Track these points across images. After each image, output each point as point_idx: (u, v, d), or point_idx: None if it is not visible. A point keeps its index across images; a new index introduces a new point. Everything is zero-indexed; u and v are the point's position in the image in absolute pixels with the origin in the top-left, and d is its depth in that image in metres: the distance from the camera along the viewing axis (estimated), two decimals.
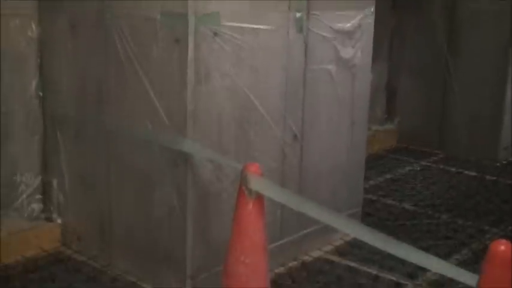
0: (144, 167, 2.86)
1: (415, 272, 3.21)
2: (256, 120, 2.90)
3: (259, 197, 2.24)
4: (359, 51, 3.40)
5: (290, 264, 3.24)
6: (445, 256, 3.35)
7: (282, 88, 3.01)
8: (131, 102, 2.85)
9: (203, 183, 2.72)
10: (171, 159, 2.73)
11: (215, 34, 2.65)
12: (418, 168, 4.95)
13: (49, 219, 3.35)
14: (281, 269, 3.19)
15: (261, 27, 2.84)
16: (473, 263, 3.24)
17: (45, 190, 3.36)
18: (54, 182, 3.31)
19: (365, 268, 3.25)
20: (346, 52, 3.31)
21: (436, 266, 1.98)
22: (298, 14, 3.01)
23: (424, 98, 5.41)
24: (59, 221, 3.34)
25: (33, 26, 3.19)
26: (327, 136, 3.32)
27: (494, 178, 4.70)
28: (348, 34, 3.31)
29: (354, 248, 3.48)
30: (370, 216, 3.91)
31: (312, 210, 2.20)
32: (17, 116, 3.20)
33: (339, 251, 3.44)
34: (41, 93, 3.25)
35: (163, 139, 2.73)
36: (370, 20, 3.46)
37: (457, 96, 5.23)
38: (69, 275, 3.06)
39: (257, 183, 2.19)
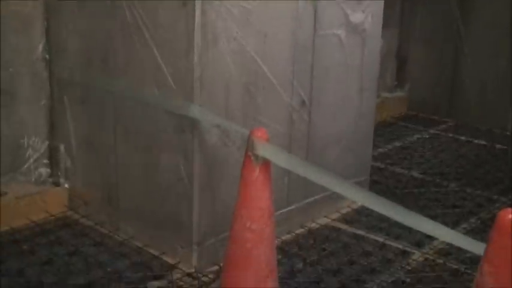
0: (150, 133, 2.85)
1: (422, 240, 3.20)
2: (263, 85, 2.87)
3: (265, 163, 2.21)
4: (369, 16, 3.35)
5: (297, 232, 3.24)
6: (453, 225, 3.34)
7: (290, 53, 2.97)
8: (138, 67, 2.82)
9: (210, 148, 2.70)
10: (177, 124, 2.71)
11: None
12: (427, 136, 4.91)
13: (56, 184, 3.35)
14: (288, 236, 3.18)
15: None
16: (481, 232, 3.22)
17: (52, 155, 3.35)
18: (62, 147, 3.30)
19: (372, 236, 3.24)
20: (356, 17, 3.25)
21: (444, 234, 1.96)
22: None
23: (435, 65, 5.34)
24: (66, 185, 3.34)
25: None
26: (335, 102, 3.28)
27: (505, 147, 4.65)
28: None
29: (361, 215, 3.47)
30: (378, 184, 3.90)
31: (319, 177, 2.18)
32: (23, 78, 3.18)
33: (346, 219, 3.43)
34: (47, 56, 3.22)
35: (170, 104, 2.71)
36: None
37: (468, 64, 5.15)
38: (76, 239, 3.07)
39: (263, 148, 2.16)
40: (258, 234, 2.27)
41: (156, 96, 2.76)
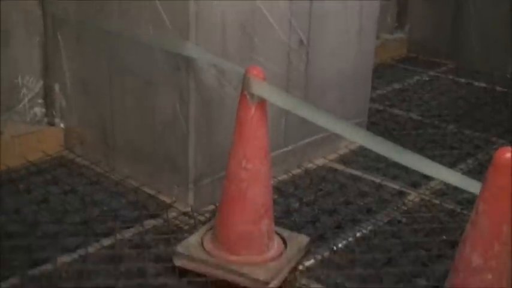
0: (145, 72, 2.80)
1: (419, 181, 3.20)
2: (261, 24, 2.81)
3: (261, 102, 2.19)
4: None
5: (293, 172, 3.23)
6: (450, 166, 3.32)
7: None
8: (133, 5, 2.76)
9: (206, 88, 2.67)
10: (173, 63, 2.67)
11: None
12: (427, 79, 4.87)
13: (51, 124, 3.33)
14: (284, 177, 3.18)
15: None
16: (478, 173, 3.21)
17: (47, 94, 3.31)
18: (56, 87, 3.26)
19: (369, 176, 3.24)
20: None
21: (441, 174, 1.94)
22: None
23: (436, 6, 5.25)
24: (62, 125, 3.31)
25: None
26: (334, 43, 3.23)
27: (505, 90, 4.62)
28: None
29: (359, 156, 3.46)
30: (376, 125, 3.87)
31: (316, 117, 2.15)
32: (17, 16, 3.12)
33: (343, 160, 3.43)
34: None
35: (166, 43, 2.66)
36: None
37: (469, 6, 5.07)
38: (72, 178, 3.06)
39: (259, 87, 2.13)
40: (254, 173, 2.26)
41: (151, 35, 2.71)
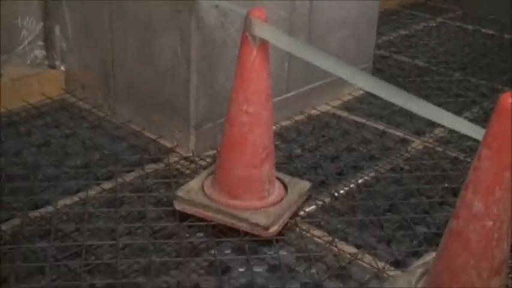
0: (147, 14, 2.75)
1: (422, 128, 3.18)
2: None
3: (263, 44, 2.14)
4: None
5: (296, 118, 3.20)
6: (455, 114, 3.26)
7: None
8: None
9: (207, 30, 2.62)
10: (174, 4, 2.61)
11: None
12: (434, 25, 4.79)
13: (52, 67, 3.29)
14: (287, 122, 3.15)
15: None
16: (483, 121, 3.17)
17: (47, 37, 3.26)
18: (57, 29, 3.21)
19: (372, 124, 3.21)
20: None
21: (445, 119, 1.91)
22: None
23: None
24: (62, 68, 3.28)
25: None
26: None
27: None
28: None
29: (363, 103, 3.43)
30: (381, 72, 3.83)
31: (319, 60, 2.10)
32: None
33: (347, 106, 3.39)
34: None
35: None
36: None
37: None
38: (73, 122, 3.04)
39: (261, 28, 2.08)
40: (255, 117, 2.24)
41: None
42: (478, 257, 1.79)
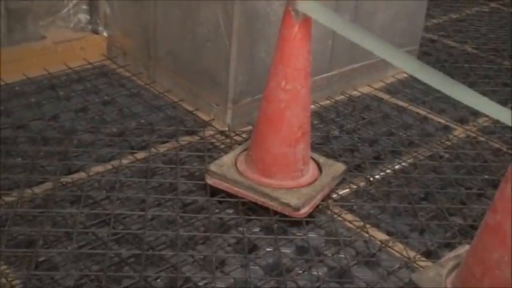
0: None
1: (466, 117, 3.09)
2: None
3: (305, 20, 2.08)
4: None
5: (337, 98, 3.14)
6: (501, 103, 3.15)
7: None
8: None
9: (251, 2, 2.57)
10: None
11: None
12: (487, 10, 4.64)
13: (95, 32, 3.29)
14: (327, 102, 3.09)
15: None
16: None
17: (92, 1, 3.26)
18: None
19: (414, 108, 3.13)
20: None
21: (490, 109, 1.83)
22: None
23: None
24: (105, 34, 3.27)
25: None
26: None
27: None
28: None
29: (406, 87, 3.35)
30: (428, 55, 3.72)
31: (364, 40, 2.03)
32: None
33: (389, 89, 3.31)
34: None
35: None
36: None
37: None
38: (112, 89, 3.04)
39: (304, 4, 2.02)
40: (293, 94, 2.19)
41: None
42: None
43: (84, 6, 3.26)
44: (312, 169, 2.39)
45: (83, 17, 3.27)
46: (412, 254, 2.14)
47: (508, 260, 1.73)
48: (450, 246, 2.19)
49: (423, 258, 2.13)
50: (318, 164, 2.44)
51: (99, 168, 2.42)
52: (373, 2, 3.08)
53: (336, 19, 2.10)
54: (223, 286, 1.93)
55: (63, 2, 3.20)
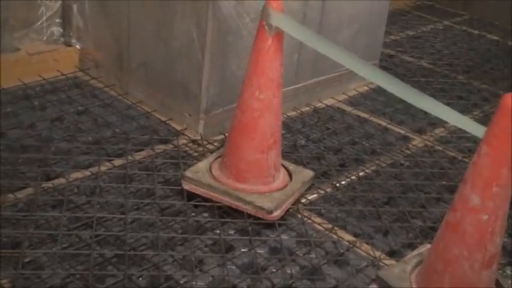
0: None
1: (424, 127, 3.27)
2: None
3: (278, 34, 2.23)
4: None
5: (302, 109, 3.29)
6: None
7: None
8: None
9: (224, 17, 2.70)
10: None
11: None
12: (441, 28, 4.87)
13: (68, 44, 3.37)
14: (293, 113, 3.24)
15: None
16: (483, 124, 3.26)
17: (65, 14, 3.34)
18: (75, 7, 3.29)
19: (375, 119, 3.30)
20: None
21: (450, 116, 2.00)
22: None
23: None
24: (78, 46, 3.36)
25: None
26: None
27: None
28: None
29: (367, 99, 3.51)
30: (386, 70, 3.83)
31: (332, 52, 2.18)
32: None
33: (352, 101, 3.48)
34: None
35: None
36: None
37: None
38: (86, 99, 3.12)
39: (278, 18, 2.17)
40: (266, 104, 2.32)
41: None
42: (471, 249, 1.88)
43: (58, 20, 3.34)
44: (282, 175, 2.53)
45: (56, 30, 3.36)
46: (377, 253, 2.29)
47: (467, 255, 1.89)
48: (412, 246, 2.34)
49: (388, 257, 2.28)
50: (288, 171, 2.58)
51: (78, 174, 2.51)
52: (337, 18, 3.24)
53: (307, 33, 2.25)
54: (203, 284, 2.05)
55: (37, 15, 3.28)
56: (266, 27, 2.22)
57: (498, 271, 2.06)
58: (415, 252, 2.22)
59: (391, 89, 2.08)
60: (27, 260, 2.04)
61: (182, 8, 2.77)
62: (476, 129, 1.90)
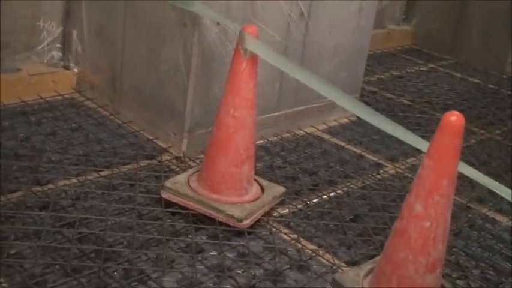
0: (156, 25, 3.07)
1: (396, 156, 3.47)
2: None
3: (253, 57, 2.45)
4: None
5: (283, 135, 3.50)
6: None
7: None
8: None
9: (208, 44, 2.93)
10: (181, 19, 2.93)
11: None
12: (425, 69, 5.11)
13: (66, 67, 3.61)
14: (274, 138, 3.45)
15: None
16: None
17: (65, 40, 3.60)
18: (74, 33, 3.54)
19: (351, 147, 3.50)
20: None
21: (397, 132, 2.21)
22: None
23: (444, 2, 5.49)
24: (75, 69, 3.60)
25: None
26: (333, 18, 3.47)
27: (496, 88, 4.86)
28: None
29: (346, 130, 3.72)
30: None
31: (299, 74, 2.41)
32: None
33: (331, 131, 3.69)
34: None
35: None
36: None
37: (476, 3, 5.31)
38: (80, 118, 3.35)
39: (252, 43, 2.40)
40: (240, 121, 2.53)
41: None
42: (416, 253, 2.07)
43: (58, 44, 3.59)
44: (255, 189, 2.73)
45: (56, 54, 3.60)
46: (338, 263, 2.47)
47: (412, 260, 2.08)
48: (372, 258, 2.51)
49: (347, 266, 2.45)
50: (261, 186, 2.78)
51: (66, 181, 2.72)
52: (319, 51, 3.48)
53: (278, 57, 2.48)
54: (172, 279, 2.23)
55: (39, 40, 3.53)
56: (242, 51, 2.45)
57: (442, 276, 2.23)
58: (371, 260, 2.40)
59: (364, 116, 2.28)
60: (12, 252, 2.23)
61: (171, 35, 3.01)
62: (421, 144, 2.11)
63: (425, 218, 2.03)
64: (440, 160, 1.98)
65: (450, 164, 1.97)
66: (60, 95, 3.51)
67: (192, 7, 2.81)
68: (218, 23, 2.88)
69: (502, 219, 2.99)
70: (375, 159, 3.42)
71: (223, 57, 3.01)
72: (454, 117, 1.96)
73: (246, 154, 2.59)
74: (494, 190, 2.11)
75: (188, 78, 2.98)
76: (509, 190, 2.08)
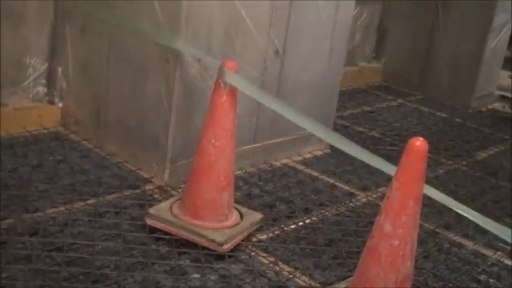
0: (140, 61, 3.24)
1: (368, 186, 3.64)
2: (243, 31, 3.26)
3: (232, 90, 2.62)
4: None
5: (260, 166, 3.66)
6: None
7: (269, 5, 3.36)
8: (133, 3, 3.20)
9: (190, 80, 3.10)
10: (163, 55, 3.10)
11: None
12: (395, 104, 5.33)
13: (51, 102, 3.75)
14: (251, 169, 3.60)
15: None
16: None
17: (50, 76, 3.74)
18: (59, 69, 3.69)
19: (325, 178, 3.67)
20: None
21: (365, 156, 2.38)
22: None
23: (412, 41, 5.76)
24: (60, 104, 3.74)
25: None
26: (306, 55, 3.67)
27: (462, 121, 5.10)
28: None
29: (320, 161, 3.90)
30: None
31: (274, 105, 2.59)
32: (32, 3, 3.55)
33: (306, 162, 3.86)
34: None
35: (159, 36, 3.08)
36: None
37: (442, 43, 5.58)
38: (65, 150, 3.48)
39: (231, 77, 2.57)
40: (220, 150, 2.69)
41: (147, 29, 3.14)
42: (386, 270, 2.22)
43: (43, 80, 3.74)
44: (235, 216, 2.87)
45: (41, 89, 3.74)
46: (314, 283, 2.61)
47: (383, 276, 2.24)
48: (346, 279, 2.67)
49: (323, 287, 2.60)
50: (240, 213, 2.92)
51: (54, 209, 2.84)
52: (293, 86, 3.67)
53: (255, 90, 2.66)
54: None
55: (25, 75, 3.67)
56: (222, 84, 2.62)
57: None
58: (345, 281, 2.55)
59: (340, 146, 2.46)
60: (4, 275, 2.34)
61: (153, 71, 3.17)
62: (390, 169, 2.28)
63: (394, 237, 2.19)
64: (406, 182, 2.15)
65: (416, 186, 2.15)
66: (45, 128, 3.64)
67: (174, 44, 2.98)
68: (199, 60, 3.04)
69: (468, 244, 3.17)
70: (348, 188, 3.59)
71: (204, 92, 3.17)
72: (419, 143, 2.14)
73: (226, 181, 2.74)
74: (457, 211, 2.27)
75: (170, 112, 3.14)
76: (472, 211, 2.25)
